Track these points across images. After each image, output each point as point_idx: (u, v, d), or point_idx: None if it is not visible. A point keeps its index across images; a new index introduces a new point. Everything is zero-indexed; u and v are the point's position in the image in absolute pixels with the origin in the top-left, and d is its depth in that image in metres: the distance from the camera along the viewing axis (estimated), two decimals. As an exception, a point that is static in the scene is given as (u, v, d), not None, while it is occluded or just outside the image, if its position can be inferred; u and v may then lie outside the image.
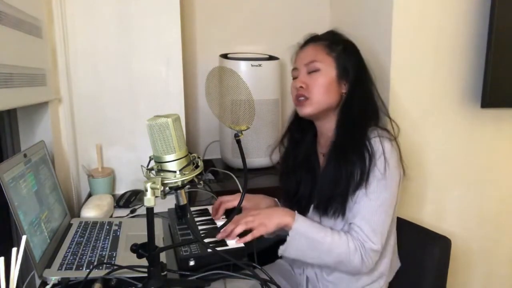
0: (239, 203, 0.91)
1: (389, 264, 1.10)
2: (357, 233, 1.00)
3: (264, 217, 1.03)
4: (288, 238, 1.01)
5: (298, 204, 1.17)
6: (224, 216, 1.19)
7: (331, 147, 1.08)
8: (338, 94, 1.08)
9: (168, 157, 0.77)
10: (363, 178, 1.00)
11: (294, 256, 1.03)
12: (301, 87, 1.09)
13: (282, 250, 1.02)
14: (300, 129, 1.20)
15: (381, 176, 1.00)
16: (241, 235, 1.01)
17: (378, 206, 1.00)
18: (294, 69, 1.14)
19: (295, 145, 1.21)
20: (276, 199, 1.29)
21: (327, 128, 1.12)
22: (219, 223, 1.15)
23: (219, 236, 1.02)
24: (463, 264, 1.66)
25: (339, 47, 1.09)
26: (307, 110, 1.09)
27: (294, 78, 1.13)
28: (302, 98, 1.09)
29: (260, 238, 1.06)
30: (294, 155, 1.20)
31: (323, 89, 1.07)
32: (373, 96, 1.12)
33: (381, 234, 1.00)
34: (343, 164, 1.03)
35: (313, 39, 1.15)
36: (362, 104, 1.07)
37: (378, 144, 1.01)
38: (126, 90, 1.51)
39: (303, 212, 1.13)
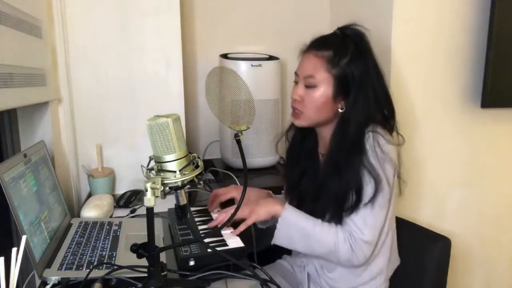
0: (239, 203, 0.91)
1: (388, 262, 1.10)
2: (348, 224, 1.01)
3: (254, 205, 1.08)
4: (278, 226, 1.04)
5: (299, 196, 1.17)
6: (219, 209, 1.24)
7: (327, 156, 1.08)
8: (333, 111, 1.06)
9: (168, 157, 0.77)
10: (359, 203, 0.99)
11: (285, 244, 1.06)
12: (295, 99, 1.09)
13: (273, 238, 1.06)
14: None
15: (382, 194, 1.00)
16: (235, 226, 1.06)
17: (374, 206, 1.00)
18: (296, 73, 1.12)
19: (302, 136, 1.20)
20: (270, 191, 1.30)
21: (324, 134, 1.12)
22: (214, 215, 1.19)
23: (210, 225, 1.09)
24: (463, 264, 1.66)
25: (344, 60, 1.02)
26: (300, 123, 1.10)
27: (295, 82, 1.12)
28: (296, 110, 1.09)
29: (255, 226, 1.11)
30: (301, 146, 1.20)
31: (316, 106, 1.05)
32: (378, 106, 1.06)
33: (373, 227, 1.00)
34: (336, 180, 1.02)
35: (317, 46, 1.07)
36: (360, 121, 1.03)
37: (382, 174, 0.99)
38: (126, 90, 1.51)
39: (302, 204, 1.14)
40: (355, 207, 1.00)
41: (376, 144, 1.00)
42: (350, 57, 1.03)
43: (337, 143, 1.05)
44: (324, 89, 1.04)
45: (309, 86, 1.06)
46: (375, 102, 1.05)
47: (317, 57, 1.05)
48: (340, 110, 1.06)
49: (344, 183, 1.01)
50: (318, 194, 1.07)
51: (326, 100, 1.05)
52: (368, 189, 0.99)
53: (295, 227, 1.04)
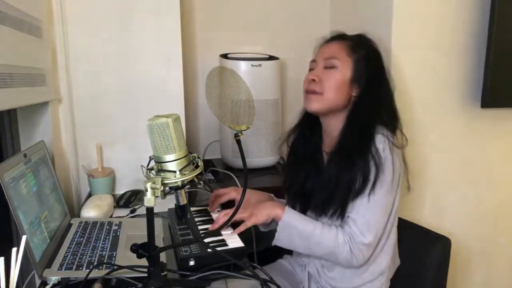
0: (238, 203, 0.91)
1: (390, 261, 1.11)
2: (350, 226, 1.01)
3: (254, 208, 1.09)
4: (278, 229, 1.06)
5: (303, 198, 1.17)
6: (219, 209, 1.25)
7: (334, 149, 1.08)
8: (348, 96, 1.08)
9: (168, 157, 0.77)
10: (365, 187, 1.00)
11: (286, 245, 1.08)
12: (313, 80, 1.09)
13: (274, 240, 1.07)
14: (311, 124, 1.19)
15: (385, 186, 1.01)
16: (234, 226, 1.06)
17: (376, 207, 1.01)
18: (313, 61, 1.14)
19: (305, 139, 1.21)
20: (272, 195, 1.30)
21: (333, 127, 1.12)
22: (215, 215, 1.19)
23: (211, 228, 1.08)
24: (463, 264, 1.67)
25: (362, 51, 1.09)
26: (314, 106, 1.09)
27: (310, 69, 1.14)
28: (314, 91, 1.09)
29: (255, 227, 1.12)
30: (304, 148, 1.20)
31: (334, 86, 1.07)
32: (385, 105, 1.09)
33: (375, 230, 1.01)
34: (346, 168, 1.02)
35: (339, 37, 1.15)
36: (372, 112, 1.06)
37: (388, 155, 1.01)
38: (126, 90, 1.51)
39: (306, 208, 1.13)
40: (359, 192, 1.00)
41: (386, 141, 1.02)
42: (366, 51, 1.10)
43: (350, 131, 1.06)
44: (344, 71, 1.08)
45: (329, 67, 1.09)
46: (384, 102, 1.09)
47: (339, 43, 1.12)
48: (353, 98, 1.09)
49: (354, 170, 1.01)
50: (324, 189, 1.07)
51: (344, 82, 1.07)
52: (372, 177, 1.00)
53: (295, 230, 1.04)
